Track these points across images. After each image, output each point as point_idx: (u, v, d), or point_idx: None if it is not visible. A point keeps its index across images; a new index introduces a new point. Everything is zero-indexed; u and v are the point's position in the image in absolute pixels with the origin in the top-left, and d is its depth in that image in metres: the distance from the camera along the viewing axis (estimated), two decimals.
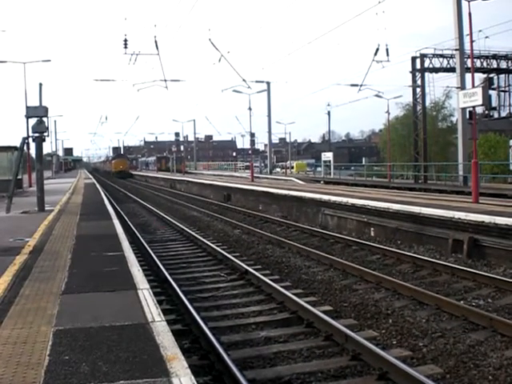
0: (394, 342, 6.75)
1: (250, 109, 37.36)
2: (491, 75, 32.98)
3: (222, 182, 34.23)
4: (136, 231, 15.92)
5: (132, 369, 3.72)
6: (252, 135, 46.45)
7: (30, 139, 16.04)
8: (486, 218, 11.64)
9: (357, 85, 31.34)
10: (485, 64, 31.94)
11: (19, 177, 23.56)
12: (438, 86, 53.45)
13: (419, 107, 32.71)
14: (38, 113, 15.22)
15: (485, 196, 17.15)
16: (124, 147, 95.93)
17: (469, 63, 23.33)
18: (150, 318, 4.89)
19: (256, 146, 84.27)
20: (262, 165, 64.77)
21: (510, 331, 6.66)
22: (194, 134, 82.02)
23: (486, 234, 11.50)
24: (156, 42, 25.39)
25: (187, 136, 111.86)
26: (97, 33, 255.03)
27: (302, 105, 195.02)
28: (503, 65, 32.77)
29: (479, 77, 32.93)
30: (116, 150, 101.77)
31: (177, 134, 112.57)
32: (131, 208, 26.49)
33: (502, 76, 34.01)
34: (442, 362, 6.06)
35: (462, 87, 23.85)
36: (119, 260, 7.83)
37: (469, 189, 18.81)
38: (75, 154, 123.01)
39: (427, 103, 34.95)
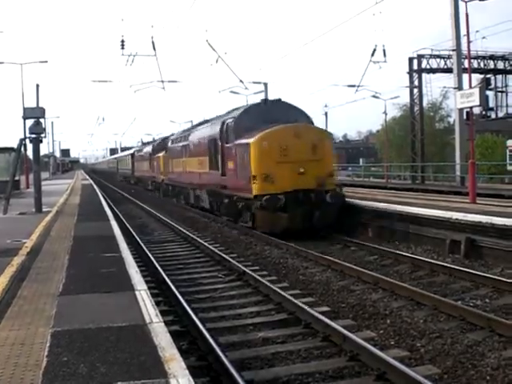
0: (392, 343, 6.75)
1: None
2: (488, 76, 33.06)
3: None
4: (133, 232, 15.90)
5: (130, 370, 3.72)
6: None
7: (27, 140, 16.03)
8: (484, 219, 11.66)
9: (354, 85, 31.39)
10: (482, 64, 32.02)
11: (16, 178, 23.56)
12: (435, 86, 53.44)
13: (416, 108, 32.73)
14: (35, 114, 15.24)
15: (482, 196, 17.16)
16: (121, 148, 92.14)
17: (466, 64, 23.35)
18: (148, 319, 4.89)
19: None
20: None
21: (507, 331, 6.67)
22: None
23: (484, 234, 11.52)
24: (153, 42, 25.33)
25: None
26: (94, 34, 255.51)
27: (299, 106, 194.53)
28: (500, 65, 32.87)
29: (476, 77, 32.93)
30: (113, 150, 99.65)
31: None
32: (129, 209, 26.43)
33: (499, 76, 34.14)
34: (439, 362, 6.06)
35: (460, 88, 23.86)
36: (117, 261, 7.83)
37: (466, 189, 18.83)
38: (72, 155, 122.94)
39: (424, 104, 35.04)
